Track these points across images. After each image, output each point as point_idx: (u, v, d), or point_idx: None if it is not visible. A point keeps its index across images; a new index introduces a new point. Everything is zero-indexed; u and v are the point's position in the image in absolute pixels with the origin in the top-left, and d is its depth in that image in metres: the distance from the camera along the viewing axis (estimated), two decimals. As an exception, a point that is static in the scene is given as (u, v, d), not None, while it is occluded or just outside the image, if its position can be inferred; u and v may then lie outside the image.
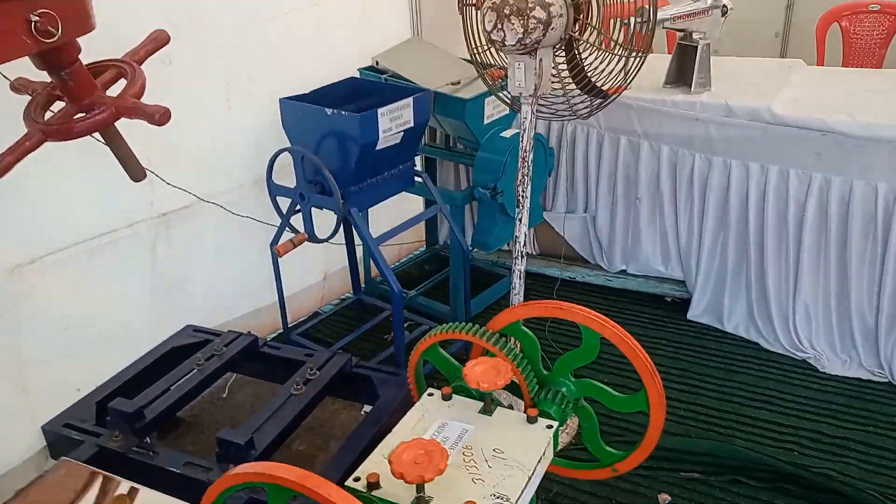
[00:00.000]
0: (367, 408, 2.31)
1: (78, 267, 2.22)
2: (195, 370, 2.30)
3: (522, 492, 1.48)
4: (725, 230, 3.03)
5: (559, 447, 2.08)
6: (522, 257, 2.21)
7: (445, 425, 1.68)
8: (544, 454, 1.59)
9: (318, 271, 3.17)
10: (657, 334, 3.06)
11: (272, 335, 3.09)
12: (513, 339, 1.84)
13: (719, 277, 3.12)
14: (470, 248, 3.03)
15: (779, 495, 2.16)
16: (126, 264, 2.34)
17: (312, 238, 2.43)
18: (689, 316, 3.18)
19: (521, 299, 2.33)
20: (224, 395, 2.87)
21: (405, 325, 3.13)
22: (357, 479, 1.56)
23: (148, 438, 2.59)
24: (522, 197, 2.12)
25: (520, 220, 2.16)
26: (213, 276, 2.70)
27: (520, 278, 2.27)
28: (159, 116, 1.34)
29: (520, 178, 2.11)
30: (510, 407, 1.78)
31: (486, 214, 2.81)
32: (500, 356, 1.75)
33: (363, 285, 3.29)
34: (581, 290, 3.43)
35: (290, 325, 3.06)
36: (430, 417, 1.73)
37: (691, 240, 3.15)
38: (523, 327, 1.81)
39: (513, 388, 1.80)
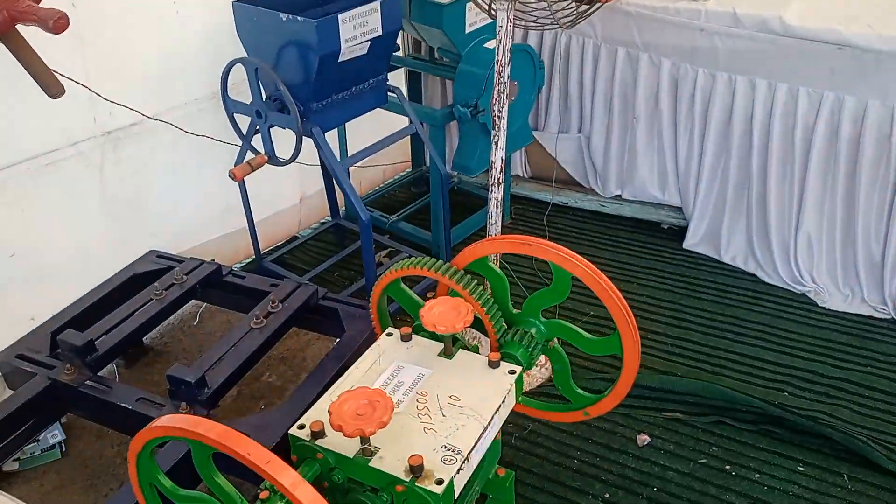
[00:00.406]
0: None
1: (20, 189, 2.06)
2: (153, 300, 2.18)
3: (476, 443, 1.37)
4: (727, 153, 2.82)
5: (537, 384, 1.97)
6: (499, 185, 2.03)
7: (402, 369, 1.56)
8: (504, 402, 1.46)
9: (294, 194, 3.00)
10: (650, 264, 2.91)
11: (246, 261, 2.96)
12: (480, 276, 1.69)
13: (718, 204, 2.93)
14: (449, 173, 2.84)
15: (763, 438, 2.06)
16: (74, 187, 2.17)
17: (273, 160, 2.25)
18: (686, 245, 3.01)
19: (499, 230, 2.17)
20: (195, 324, 2.78)
21: (385, 252, 2.98)
22: (301, 427, 1.45)
23: (117, 368, 2.52)
24: (498, 118, 1.92)
25: (496, 143, 1.97)
26: (174, 199, 2.53)
27: (497, 207, 2.09)
28: (53, 22, 1.16)
29: (495, 95, 1.90)
30: (476, 349, 1.65)
31: (468, 135, 2.60)
32: (464, 295, 1.61)
33: (342, 209, 3.13)
34: (574, 216, 3.26)
35: (263, 252, 2.92)
36: (386, 359, 1.60)
37: (690, 163, 2.95)
38: (491, 264, 1.66)
39: (481, 326, 1.66)
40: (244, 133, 2.31)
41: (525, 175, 3.45)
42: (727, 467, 1.98)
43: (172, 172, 2.46)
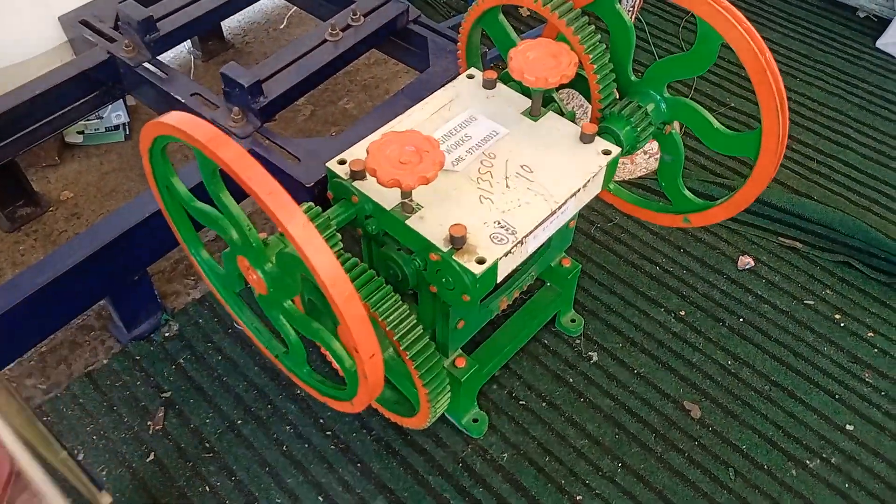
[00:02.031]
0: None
1: None
2: (227, -13, 1.90)
3: (537, 227, 1.11)
4: None
5: (639, 174, 1.63)
6: None
7: (473, 120, 1.27)
8: (586, 186, 1.17)
9: None
10: (826, 59, 2.32)
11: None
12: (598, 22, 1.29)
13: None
14: None
15: (894, 294, 1.70)
16: None
17: None
18: (879, 44, 2.38)
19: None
20: (282, 27, 2.52)
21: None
22: (342, 163, 1.23)
23: (193, 60, 2.35)
24: None
25: None
26: None
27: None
28: None
29: None
30: (572, 116, 1.32)
31: None
32: (571, 41, 1.24)
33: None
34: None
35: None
36: (459, 105, 1.31)
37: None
38: (618, 7, 1.25)
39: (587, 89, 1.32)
40: None
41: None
42: (837, 317, 1.67)
43: None
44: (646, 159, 1.95)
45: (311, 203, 1.10)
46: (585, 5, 1.27)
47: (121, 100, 2.01)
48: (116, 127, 2.02)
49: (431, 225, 1.10)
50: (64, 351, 1.61)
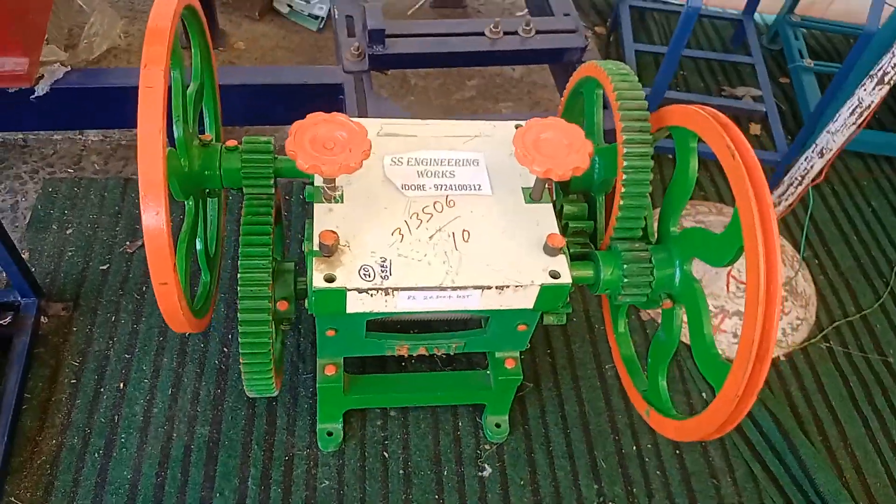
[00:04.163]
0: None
1: None
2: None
3: (413, 290, 0.99)
4: None
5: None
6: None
7: (473, 165, 1.15)
8: (501, 291, 1.01)
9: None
10: None
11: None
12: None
13: None
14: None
15: None
16: None
17: None
18: None
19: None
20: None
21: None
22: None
23: None
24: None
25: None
26: None
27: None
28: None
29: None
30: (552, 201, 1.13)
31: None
32: (619, 151, 1.05)
33: None
34: None
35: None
36: (480, 143, 1.19)
37: None
38: (693, 144, 1.04)
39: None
40: None
41: None
42: None
43: None
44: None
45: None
46: (661, 129, 1.08)
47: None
48: (316, 17, 2.17)
49: (332, 221, 1.04)
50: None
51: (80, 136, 1.86)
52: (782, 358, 1.60)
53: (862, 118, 1.31)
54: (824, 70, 2.19)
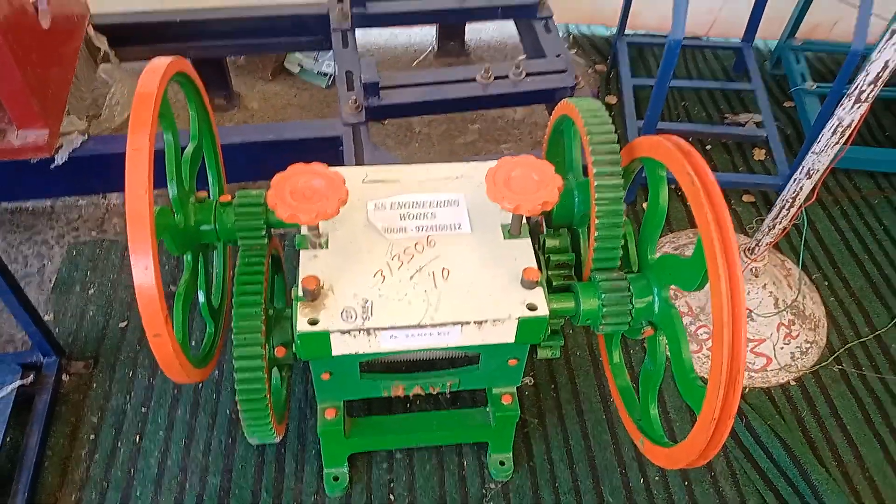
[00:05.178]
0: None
1: None
2: None
3: (395, 329, 1.02)
4: None
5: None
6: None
7: (454, 205, 1.19)
8: (480, 326, 1.04)
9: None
10: None
11: None
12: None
13: None
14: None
15: None
16: None
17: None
18: None
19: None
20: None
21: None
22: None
23: (432, 46, 2.50)
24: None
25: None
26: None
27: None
28: None
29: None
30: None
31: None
32: (591, 191, 1.08)
33: None
34: None
35: None
36: (461, 185, 1.23)
37: None
38: (661, 173, 1.06)
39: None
40: None
41: None
42: None
43: None
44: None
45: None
46: (633, 160, 1.11)
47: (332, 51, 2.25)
48: (325, 74, 2.27)
49: (316, 266, 1.08)
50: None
51: (103, 200, 1.96)
52: (792, 382, 1.57)
53: (844, 137, 1.31)
54: (826, 92, 2.19)
